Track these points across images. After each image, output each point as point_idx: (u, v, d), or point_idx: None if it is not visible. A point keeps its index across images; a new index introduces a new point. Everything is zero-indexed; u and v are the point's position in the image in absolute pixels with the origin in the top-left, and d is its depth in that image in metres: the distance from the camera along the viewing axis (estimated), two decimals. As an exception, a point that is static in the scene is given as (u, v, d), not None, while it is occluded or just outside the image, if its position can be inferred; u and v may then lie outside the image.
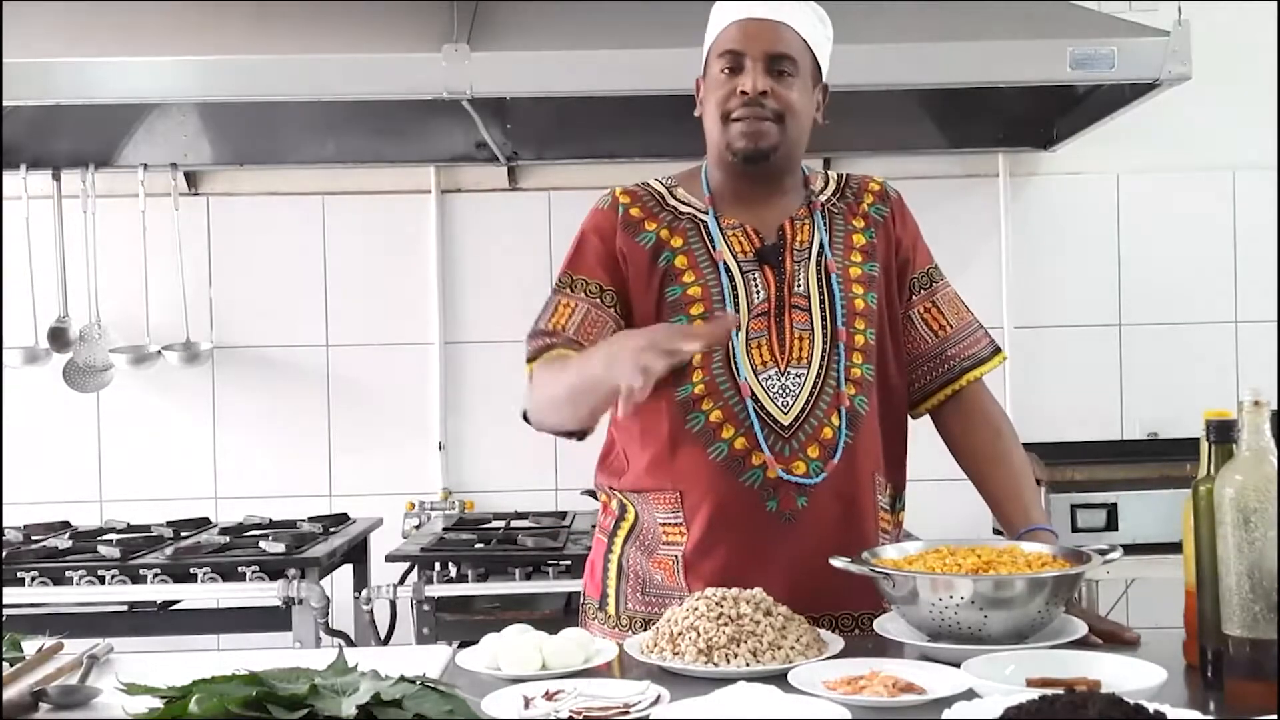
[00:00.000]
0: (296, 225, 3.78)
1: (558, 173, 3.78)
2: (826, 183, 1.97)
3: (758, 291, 1.86)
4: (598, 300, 1.88)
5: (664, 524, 1.86)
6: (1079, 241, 3.81)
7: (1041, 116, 3.64)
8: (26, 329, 3.63)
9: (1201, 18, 2.98)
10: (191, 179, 3.76)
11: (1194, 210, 3.80)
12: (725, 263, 1.87)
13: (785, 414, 1.82)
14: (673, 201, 1.93)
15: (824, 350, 1.84)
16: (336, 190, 3.79)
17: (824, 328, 1.85)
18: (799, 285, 1.87)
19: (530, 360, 1.88)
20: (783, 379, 1.83)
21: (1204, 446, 1.49)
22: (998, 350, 2.00)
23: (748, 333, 1.84)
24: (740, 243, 1.88)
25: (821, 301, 1.86)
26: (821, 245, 1.89)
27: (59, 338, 3.64)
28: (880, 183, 2.00)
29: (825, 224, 1.91)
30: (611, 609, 1.90)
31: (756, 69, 1.82)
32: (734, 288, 1.85)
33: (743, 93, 1.82)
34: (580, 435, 1.86)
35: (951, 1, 3.02)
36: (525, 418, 1.90)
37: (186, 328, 3.65)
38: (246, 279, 3.76)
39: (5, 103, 2.86)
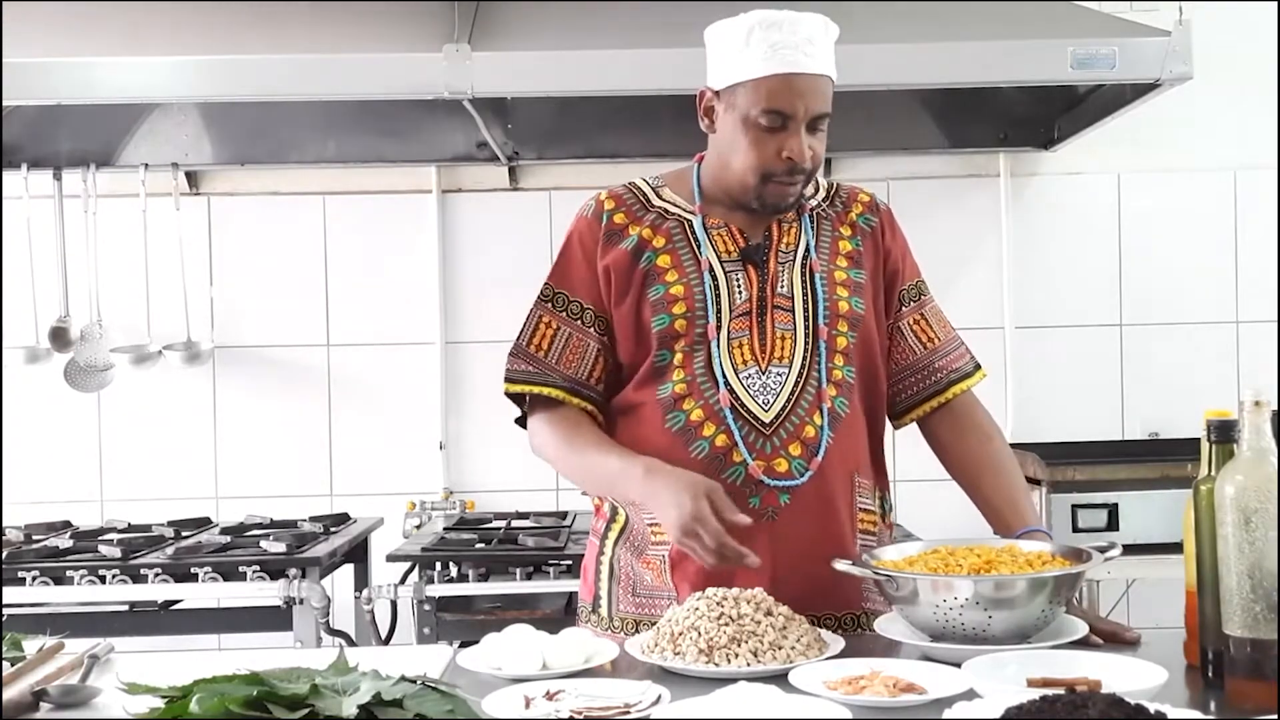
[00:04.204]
0: (297, 225, 3.78)
1: (558, 172, 3.78)
2: (817, 189, 1.98)
3: (740, 291, 1.87)
4: (578, 322, 1.90)
5: (651, 523, 1.86)
6: (1079, 241, 3.81)
7: (1042, 116, 3.64)
8: (28, 329, 3.63)
9: (1202, 18, 2.98)
10: (192, 179, 3.76)
11: (1194, 210, 3.80)
12: (709, 263, 1.87)
13: (766, 411, 1.83)
14: (659, 202, 1.94)
15: (806, 350, 1.85)
16: (337, 190, 3.79)
17: (806, 327, 1.86)
18: (782, 286, 1.88)
19: (509, 381, 1.93)
20: (764, 377, 1.84)
21: (1205, 446, 1.49)
22: (978, 366, 2.02)
23: (729, 332, 1.85)
24: (725, 241, 1.89)
25: (805, 302, 1.87)
26: (808, 247, 1.90)
27: (60, 337, 3.64)
28: (870, 194, 2.01)
29: (813, 228, 1.92)
30: (604, 611, 1.91)
31: (800, 130, 1.80)
32: (716, 287, 1.86)
33: (789, 158, 1.80)
34: None
35: (952, 1, 3.02)
36: (519, 422, 1.98)
37: (187, 327, 3.65)
38: (247, 279, 3.76)
39: (5, 103, 2.86)
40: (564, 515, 3.54)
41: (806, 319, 1.86)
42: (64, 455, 3.72)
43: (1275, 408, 1.45)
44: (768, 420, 1.82)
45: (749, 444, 1.81)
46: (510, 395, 1.95)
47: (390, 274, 3.78)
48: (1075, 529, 3.19)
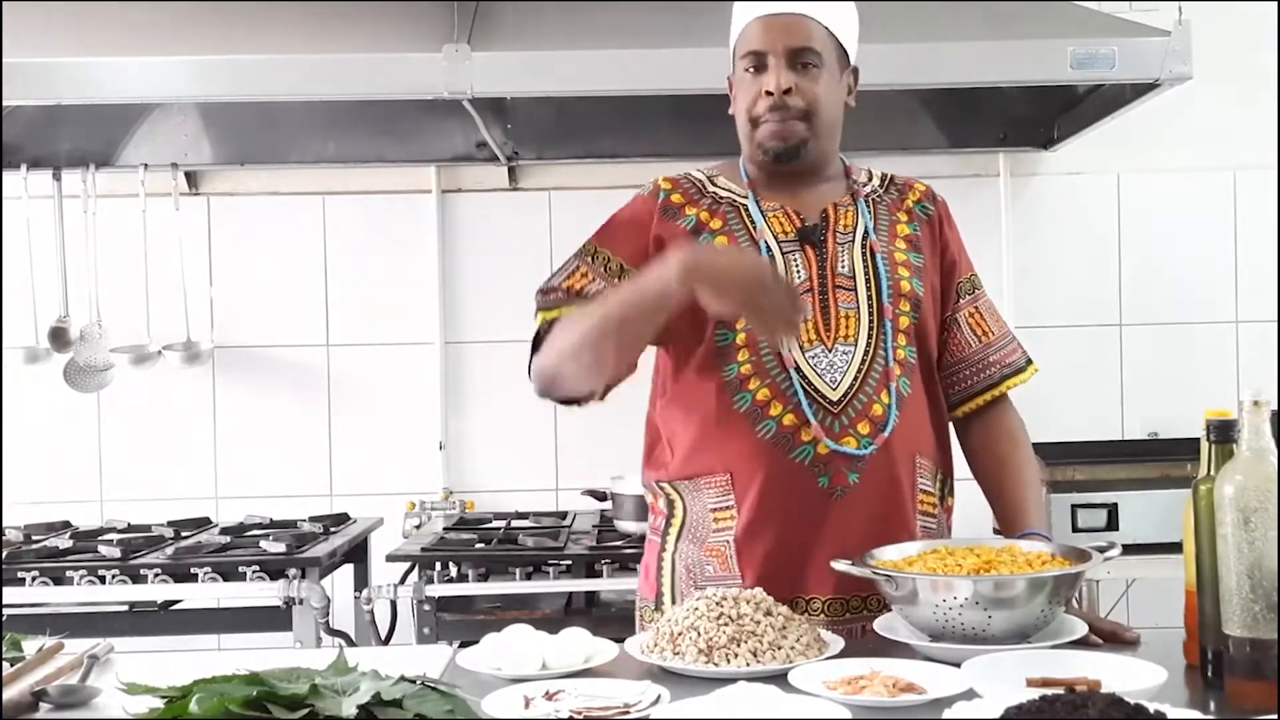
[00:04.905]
0: (297, 225, 3.78)
1: (558, 172, 3.78)
2: (870, 177, 2.00)
3: (798, 271, 1.87)
4: (616, 280, 1.87)
5: (714, 509, 1.85)
6: (1079, 241, 3.81)
7: (1042, 116, 3.64)
8: (27, 329, 3.62)
9: (1201, 18, 2.98)
10: (192, 179, 3.76)
11: (1194, 210, 3.80)
12: (766, 242, 1.88)
13: (834, 389, 1.83)
14: (713, 189, 1.95)
15: (870, 328, 1.86)
16: (337, 190, 3.79)
17: (870, 306, 1.86)
18: (842, 266, 1.88)
19: (543, 310, 1.86)
20: (830, 355, 1.84)
21: (1204, 446, 1.49)
22: (1030, 361, 2.03)
23: None
24: (781, 223, 1.90)
25: (867, 281, 1.88)
26: (866, 229, 1.91)
27: (60, 337, 3.64)
28: (926, 184, 2.03)
29: (870, 211, 1.94)
30: (668, 607, 1.90)
31: (779, 66, 1.83)
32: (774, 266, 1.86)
33: (768, 93, 1.84)
34: (588, 398, 1.83)
35: (951, 1, 3.02)
36: (530, 375, 1.87)
37: (187, 327, 3.65)
38: (247, 279, 3.76)
39: (5, 103, 2.86)
40: (564, 515, 3.54)
41: (869, 298, 1.87)
42: (64, 455, 3.72)
43: (1275, 408, 1.45)
44: (836, 399, 1.82)
45: (818, 422, 1.81)
46: (539, 330, 1.85)
47: (390, 274, 3.78)
48: (1075, 529, 3.19)
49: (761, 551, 1.81)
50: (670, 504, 1.92)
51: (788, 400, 1.82)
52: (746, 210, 1.91)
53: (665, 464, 1.92)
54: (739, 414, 1.83)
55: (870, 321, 1.86)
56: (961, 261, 2.00)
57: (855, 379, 1.83)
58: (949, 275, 1.98)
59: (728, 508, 1.85)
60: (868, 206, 1.94)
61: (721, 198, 1.93)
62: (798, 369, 1.82)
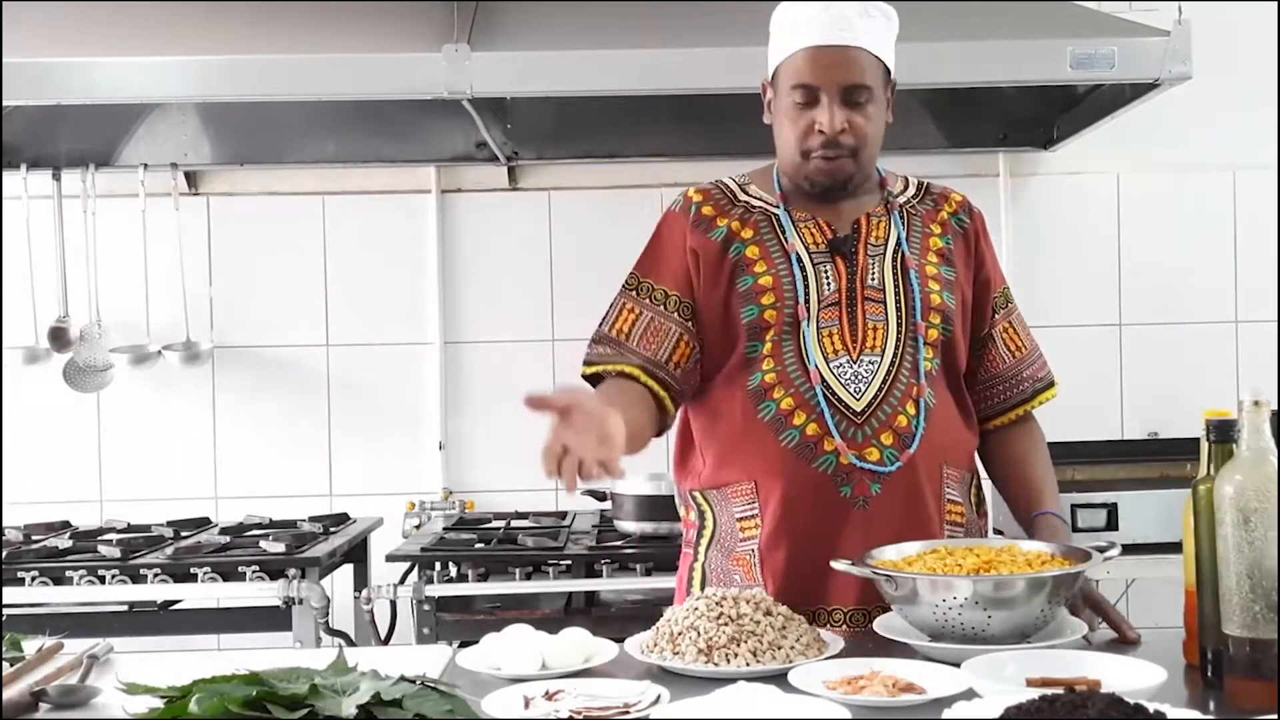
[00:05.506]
0: (296, 225, 3.78)
1: (558, 173, 3.78)
2: (906, 186, 1.99)
3: (828, 282, 1.87)
4: (662, 308, 1.90)
5: (740, 518, 1.87)
6: (1079, 241, 3.81)
7: (1042, 116, 3.64)
8: (27, 329, 3.62)
9: (1201, 18, 2.97)
10: (191, 179, 3.76)
11: (1194, 210, 3.80)
12: (797, 253, 1.88)
13: (857, 400, 1.83)
14: (744, 197, 1.95)
15: (898, 340, 1.86)
16: (336, 190, 3.79)
17: (899, 319, 1.87)
18: (872, 278, 1.88)
19: (586, 364, 1.92)
20: (855, 365, 1.84)
21: (1204, 446, 1.49)
22: (1053, 377, 2.05)
23: (818, 322, 1.85)
24: (812, 233, 1.90)
25: (896, 294, 1.88)
26: (899, 241, 1.91)
27: (59, 337, 3.64)
28: (962, 195, 2.03)
29: (903, 223, 1.93)
30: None
31: (833, 104, 1.82)
32: (805, 277, 1.86)
33: (820, 131, 1.83)
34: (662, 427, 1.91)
35: (951, 1, 3.02)
36: None
37: (187, 327, 3.65)
38: (246, 279, 3.76)
39: (5, 103, 2.86)
40: (563, 515, 3.54)
41: (899, 311, 1.87)
42: (63, 455, 3.72)
43: (1275, 408, 1.45)
44: (859, 409, 1.83)
45: (840, 432, 1.81)
46: (586, 378, 1.92)
47: (390, 274, 3.77)
48: (1075, 529, 3.18)
49: (783, 560, 1.82)
50: (701, 515, 1.93)
51: (811, 410, 1.82)
52: (778, 220, 1.91)
53: (699, 473, 1.93)
54: (763, 423, 1.84)
55: (898, 334, 1.86)
56: (995, 276, 2.01)
57: (880, 390, 1.84)
58: (983, 291, 1.98)
59: (752, 516, 1.86)
60: (901, 218, 1.94)
61: (753, 207, 1.93)
62: (821, 379, 1.83)
